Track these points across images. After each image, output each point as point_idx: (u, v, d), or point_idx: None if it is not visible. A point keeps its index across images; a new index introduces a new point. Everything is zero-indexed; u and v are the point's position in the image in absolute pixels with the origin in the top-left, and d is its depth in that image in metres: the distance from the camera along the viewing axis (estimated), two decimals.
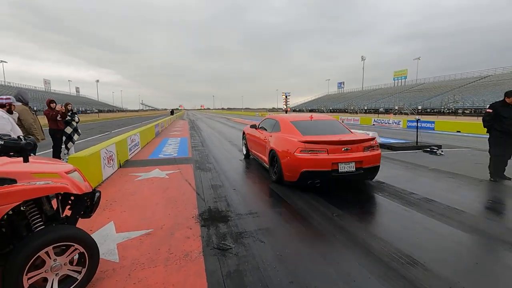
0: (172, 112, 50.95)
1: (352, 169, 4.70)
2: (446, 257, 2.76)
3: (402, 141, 11.94)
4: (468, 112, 40.15)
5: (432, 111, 46.16)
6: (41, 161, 2.56)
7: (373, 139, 5.07)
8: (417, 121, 10.34)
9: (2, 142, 2.02)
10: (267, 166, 5.92)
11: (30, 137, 2.32)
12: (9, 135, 2.34)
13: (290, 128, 5.58)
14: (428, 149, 9.11)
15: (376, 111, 53.95)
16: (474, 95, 45.80)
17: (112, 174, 6.21)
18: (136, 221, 3.67)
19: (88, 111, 74.14)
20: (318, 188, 4.91)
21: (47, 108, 7.06)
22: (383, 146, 10.22)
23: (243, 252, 2.87)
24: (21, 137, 2.26)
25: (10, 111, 4.30)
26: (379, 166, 5.14)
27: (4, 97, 4.32)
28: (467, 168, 6.35)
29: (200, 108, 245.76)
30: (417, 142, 10.07)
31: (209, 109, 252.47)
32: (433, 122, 20.05)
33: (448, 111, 43.56)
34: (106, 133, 17.89)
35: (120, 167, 7.00)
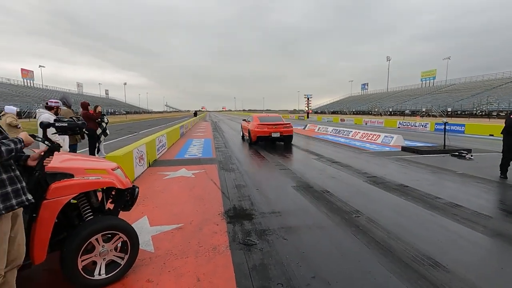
0: (195, 114, 52.17)
1: (278, 135, 11.08)
2: (470, 261, 2.77)
3: (428, 144, 11.58)
4: (504, 114, 37.75)
5: (463, 113, 43.88)
6: (91, 158, 2.89)
7: (289, 124, 11.76)
8: (445, 124, 10.00)
9: (66, 124, 2.32)
10: (247, 138, 12.73)
11: (79, 117, 2.58)
12: (77, 117, 2.62)
13: (256, 119, 11.84)
14: (457, 153, 8.80)
15: (401, 113, 52.14)
16: (510, 96, 42.98)
17: (142, 173, 6.61)
18: (167, 216, 3.95)
19: (116, 113, 77.78)
20: (343, 193, 5.00)
21: (82, 110, 7.64)
22: (407, 149, 10.00)
23: (267, 248, 3.04)
24: (74, 118, 2.54)
25: (56, 113, 4.77)
26: (292, 135, 11.71)
27: (54, 100, 4.81)
28: (498, 173, 6.11)
29: (221, 109, 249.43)
30: (444, 145, 9.76)
31: (230, 110, 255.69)
32: (463, 125, 19.17)
33: (480, 113, 41.22)
34: (134, 133, 18.79)
35: (150, 166, 7.42)
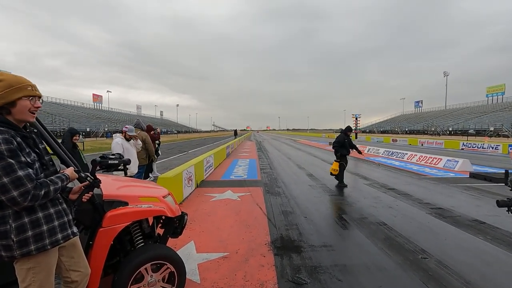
0: (235, 133, 48.05)
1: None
2: None
3: (503, 170, 10.04)
4: None
5: None
6: (144, 184, 2.97)
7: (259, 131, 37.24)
8: None
9: (117, 161, 2.44)
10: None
11: (119, 154, 2.67)
12: (120, 154, 2.78)
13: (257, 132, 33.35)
14: None
15: (464, 133, 46.89)
16: None
17: (190, 194, 6.76)
18: (213, 242, 3.87)
19: (168, 132, 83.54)
20: (403, 226, 4.46)
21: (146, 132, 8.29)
22: (477, 176, 8.76)
23: None
24: (120, 154, 2.63)
25: (127, 138, 5.16)
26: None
27: (128, 127, 5.27)
28: None
29: (266, 129, 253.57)
30: None
31: (274, 130, 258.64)
32: None
33: None
34: (184, 152, 19.77)
35: (197, 186, 7.58)
